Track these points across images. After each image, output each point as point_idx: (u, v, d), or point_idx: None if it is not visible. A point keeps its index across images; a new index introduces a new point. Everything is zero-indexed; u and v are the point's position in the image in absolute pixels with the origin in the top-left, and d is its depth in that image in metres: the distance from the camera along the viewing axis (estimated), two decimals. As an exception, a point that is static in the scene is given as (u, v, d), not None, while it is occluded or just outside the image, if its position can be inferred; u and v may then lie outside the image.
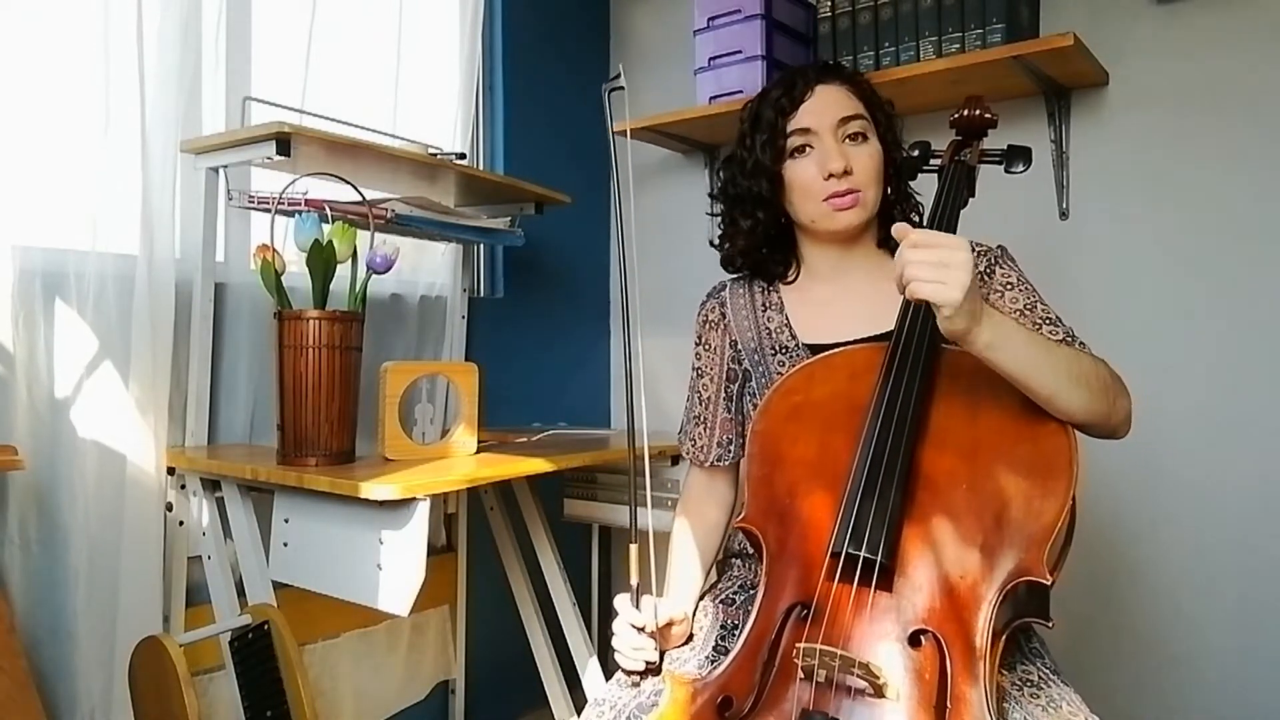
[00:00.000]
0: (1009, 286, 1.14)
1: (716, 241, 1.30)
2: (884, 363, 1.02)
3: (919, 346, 1.01)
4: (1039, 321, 1.09)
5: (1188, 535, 1.75)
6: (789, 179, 1.18)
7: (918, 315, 1.03)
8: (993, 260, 1.16)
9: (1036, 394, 0.95)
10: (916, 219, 1.25)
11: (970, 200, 1.20)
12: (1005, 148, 1.21)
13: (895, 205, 1.22)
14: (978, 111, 1.21)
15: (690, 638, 1.14)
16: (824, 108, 1.16)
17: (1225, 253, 1.71)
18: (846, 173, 1.13)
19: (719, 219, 1.29)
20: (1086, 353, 1.05)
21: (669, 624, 1.08)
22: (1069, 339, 1.08)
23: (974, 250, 1.16)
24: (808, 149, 1.16)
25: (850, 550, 0.91)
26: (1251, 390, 1.69)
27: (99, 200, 1.42)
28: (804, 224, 1.20)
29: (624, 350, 1.03)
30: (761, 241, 1.24)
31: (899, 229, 0.91)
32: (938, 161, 1.23)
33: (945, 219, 1.12)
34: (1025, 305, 1.12)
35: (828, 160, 1.13)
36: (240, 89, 1.60)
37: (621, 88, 1.06)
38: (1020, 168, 1.21)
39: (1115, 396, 1.00)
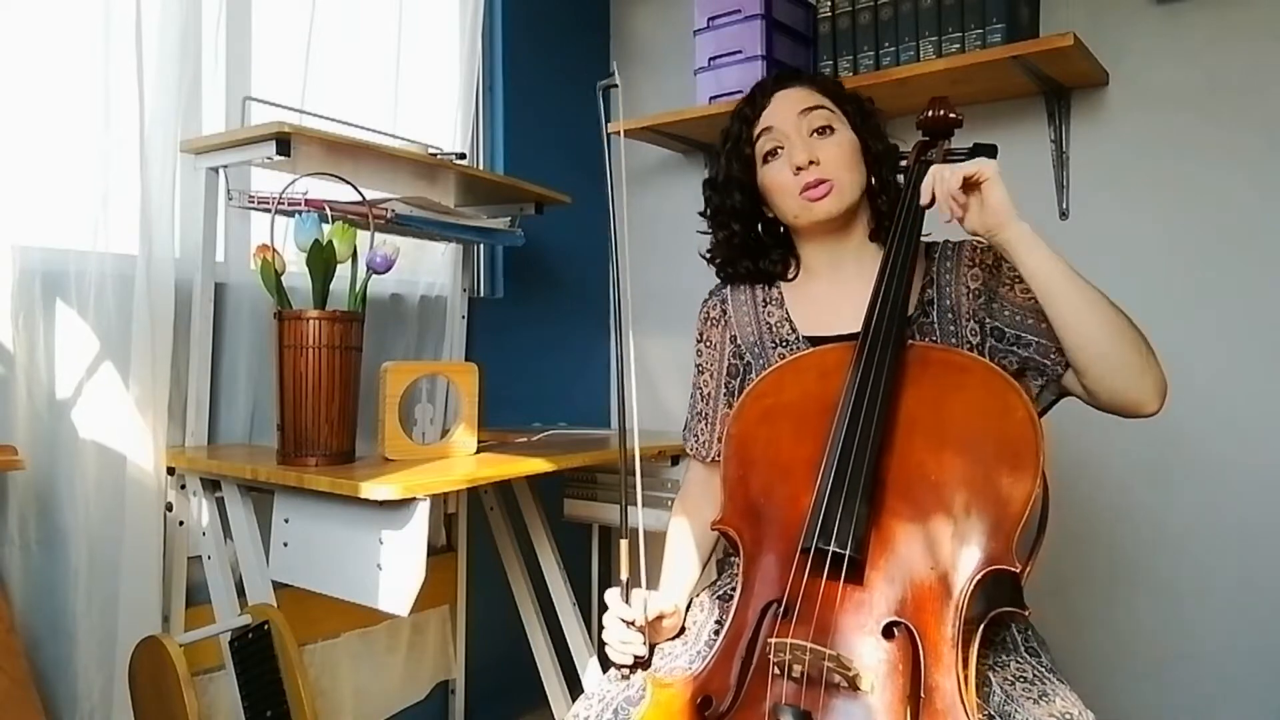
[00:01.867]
0: (1017, 280, 1.13)
1: (706, 255, 1.32)
2: (851, 360, 1.03)
3: (885, 342, 1.02)
4: None
5: (1188, 535, 1.75)
6: (765, 184, 1.21)
7: (884, 311, 1.05)
8: (1000, 253, 1.16)
9: (1061, 313, 1.02)
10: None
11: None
12: (970, 146, 1.22)
13: (880, 194, 1.23)
14: (942, 112, 1.23)
15: (682, 630, 1.15)
16: (785, 106, 1.20)
17: (1226, 252, 1.71)
18: (813, 163, 1.15)
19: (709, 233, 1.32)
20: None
21: (659, 617, 1.09)
22: None
23: (976, 247, 1.18)
24: (778, 151, 1.19)
25: (820, 545, 0.92)
26: (1252, 390, 1.69)
27: (99, 200, 1.42)
28: (790, 223, 1.22)
29: (621, 348, 1.03)
30: (742, 252, 1.27)
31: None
32: (904, 163, 1.24)
33: (908, 219, 1.13)
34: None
35: (793, 155, 1.16)
36: (240, 89, 1.60)
37: (616, 85, 1.07)
38: None
39: (1148, 356, 1.04)
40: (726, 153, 1.24)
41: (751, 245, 1.27)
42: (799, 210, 1.18)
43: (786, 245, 1.28)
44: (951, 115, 1.23)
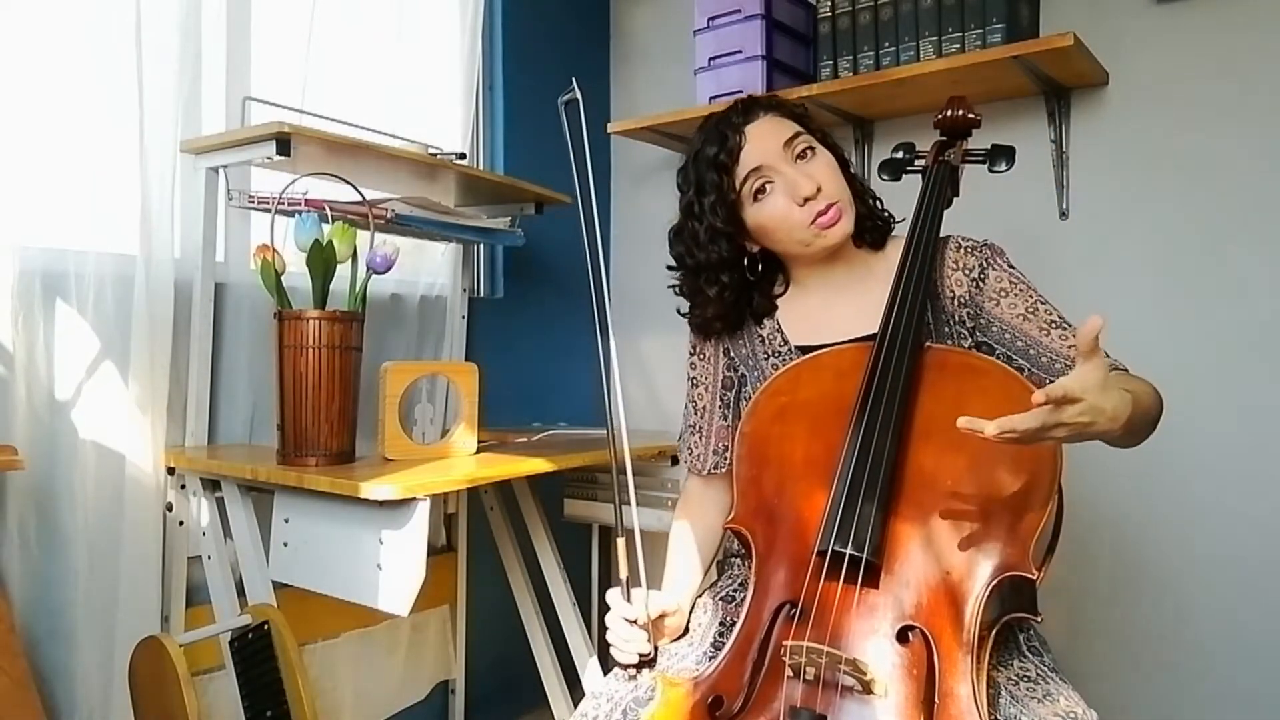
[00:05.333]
0: (1003, 293, 1.12)
1: (685, 313, 1.26)
2: (869, 362, 1.03)
3: (903, 344, 1.02)
4: (1046, 326, 1.08)
5: (1189, 536, 1.74)
6: (759, 222, 1.15)
7: (902, 313, 1.04)
8: (983, 262, 1.13)
9: (1117, 439, 0.93)
10: (882, 209, 1.23)
11: (955, 200, 1.20)
12: (989, 147, 1.21)
13: (859, 198, 1.19)
14: (961, 112, 1.21)
15: (686, 630, 1.14)
16: (763, 142, 1.13)
17: (1226, 252, 1.71)
18: (819, 190, 1.10)
19: (680, 289, 1.25)
20: (1136, 377, 1.04)
21: (662, 616, 1.08)
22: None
23: (960, 247, 1.15)
24: (769, 186, 1.13)
25: (837, 548, 0.92)
26: (1253, 390, 1.68)
27: (99, 200, 1.42)
28: (796, 253, 1.17)
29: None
30: (735, 300, 1.21)
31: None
32: (922, 162, 1.23)
33: (929, 218, 1.12)
34: (1027, 309, 1.10)
35: (797, 188, 1.11)
36: (240, 89, 1.60)
37: (577, 100, 1.06)
38: (1003, 166, 1.21)
39: (1158, 414, 1.04)
40: (709, 205, 1.15)
41: (742, 290, 1.21)
42: (809, 239, 1.13)
43: (771, 269, 1.23)
44: (970, 115, 1.21)
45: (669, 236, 1.23)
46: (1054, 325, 1.08)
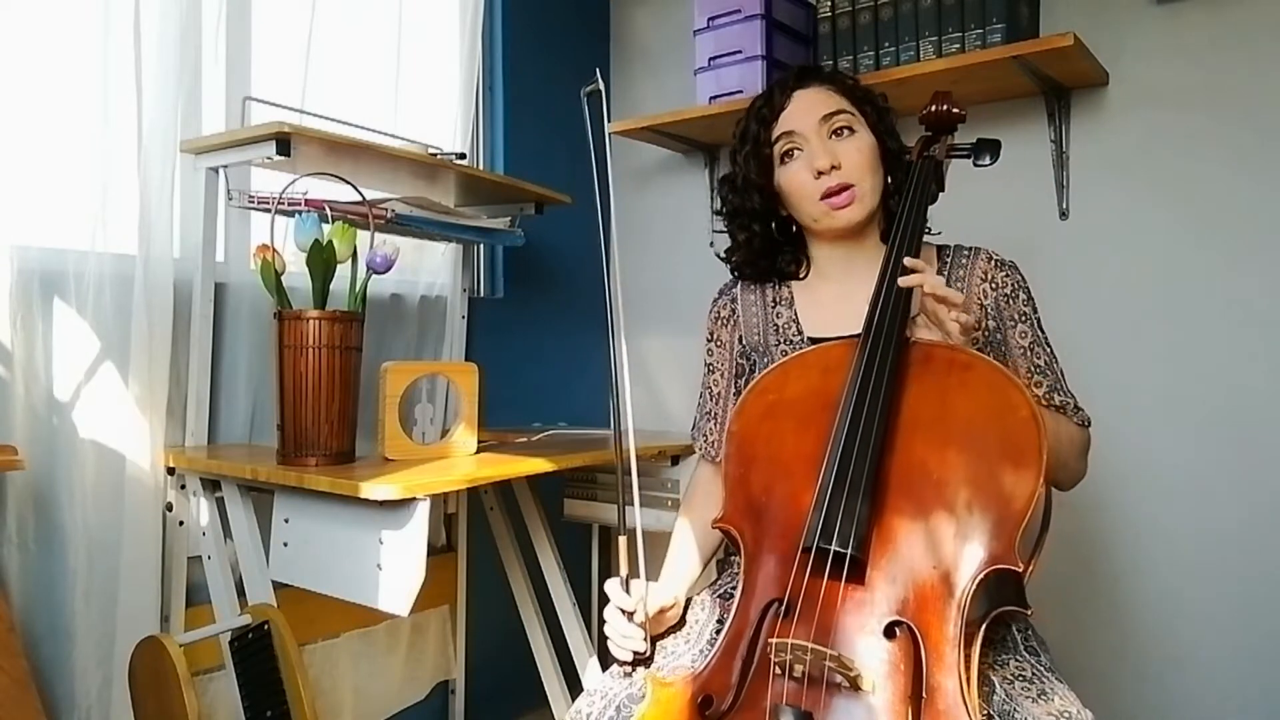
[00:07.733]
0: (1022, 318, 1.16)
1: (723, 255, 1.32)
2: (854, 357, 1.03)
3: (889, 339, 1.02)
4: (1031, 370, 1.15)
5: (1188, 535, 1.74)
6: (783, 185, 1.20)
7: (887, 308, 1.05)
8: (1016, 283, 1.18)
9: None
10: None
11: (940, 195, 1.21)
12: (974, 141, 1.22)
13: (894, 195, 1.23)
14: (945, 107, 1.23)
15: (682, 622, 1.15)
16: (804, 109, 1.18)
17: (1226, 252, 1.71)
18: (835, 168, 1.14)
19: (726, 233, 1.32)
20: (1066, 419, 1.14)
21: (660, 610, 1.09)
22: (1057, 388, 1.15)
23: (992, 260, 1.19)
24: (796, 153, 1.18)
25: (821, 545, 0.92)
26: (1253, 390, 1.68)
27: (98, 200, 1.42)
28: (808, 225, 1.22)
29: (621, 349, 1.04)
30: (761, 252, 1.27)
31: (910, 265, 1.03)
32: (907, 158, 1.24)
33: (913, 214, 1.13)
34: (1030, 343, 1.15)
35: (814, 158, 1.15)
36: (240, 89, 1.60)
37: (599, 91, 1.07)
38: (987, 160, 1.21)
39: (1076, 461, 1.14)
40: (745, 154, 1.22)
41: (770, 245, 1.27)
42: (819, 215, 1.17)
43: (797, 244, 1.28)
44: (955, 110, 1.22)
45: (719, 181, 1.32)
46: (1035, 370, 1.15)
